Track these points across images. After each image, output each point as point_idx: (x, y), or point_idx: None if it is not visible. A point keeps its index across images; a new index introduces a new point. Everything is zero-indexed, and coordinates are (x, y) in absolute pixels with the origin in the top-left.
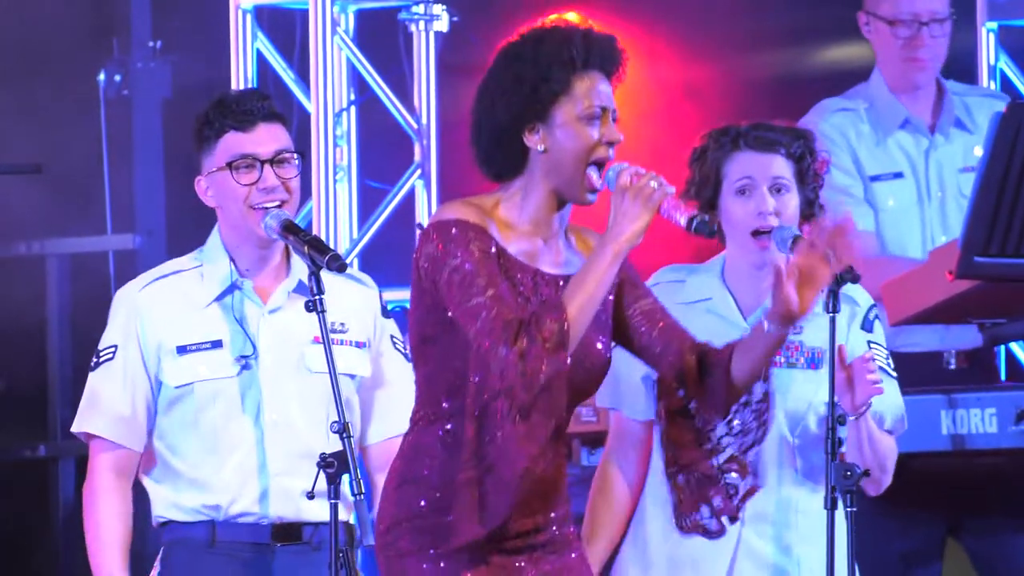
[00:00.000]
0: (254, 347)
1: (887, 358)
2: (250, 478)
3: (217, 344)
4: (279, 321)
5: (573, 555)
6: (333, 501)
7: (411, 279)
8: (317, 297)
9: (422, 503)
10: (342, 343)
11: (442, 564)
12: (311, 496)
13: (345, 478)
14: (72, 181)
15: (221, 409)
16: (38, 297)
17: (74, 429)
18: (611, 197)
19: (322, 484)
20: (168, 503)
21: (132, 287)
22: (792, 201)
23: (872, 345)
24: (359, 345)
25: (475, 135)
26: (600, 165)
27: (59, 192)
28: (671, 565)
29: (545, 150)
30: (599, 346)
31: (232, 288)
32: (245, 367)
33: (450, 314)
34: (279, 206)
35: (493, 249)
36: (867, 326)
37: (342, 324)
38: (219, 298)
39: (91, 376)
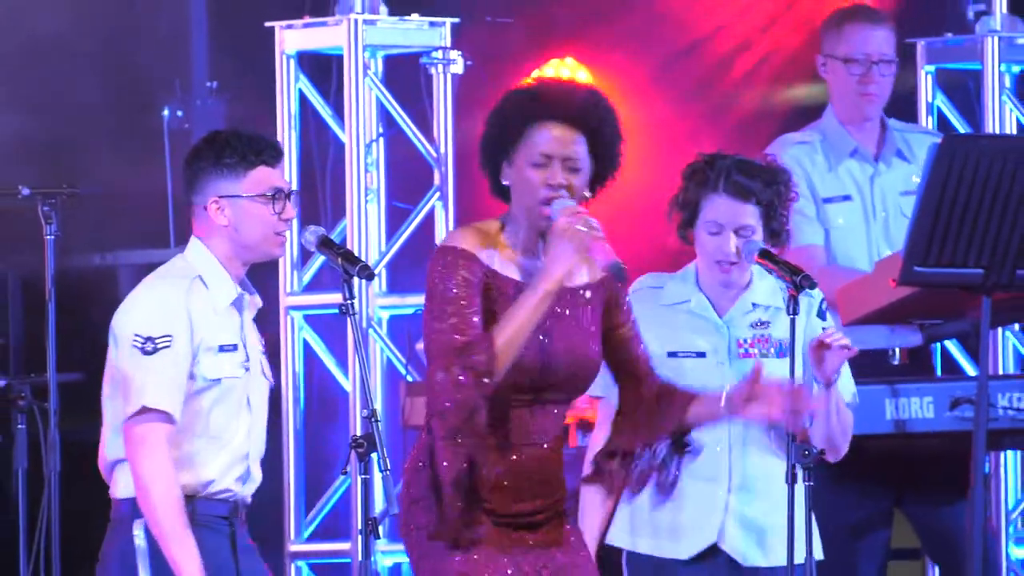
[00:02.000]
0: (247, 352)
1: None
2: (237, 463)
3: (234, 347)
4: (253, 330)
5: (573, 539)
6: (363, 476)
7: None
8: (349, 302)
9: (426, 487)
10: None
11: (451, 540)
12: (344, 473)
13: (374, 456)
14: (140, 202)
15: (230, 403)
16: (111, 301)
17: (149, 404)
18: (549, 235)
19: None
20: None
21: (173, 285)
22: (756, 238)
23: (825, 329)
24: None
25: (483, 170)
26: (545, 202)
27: (129, 211)
28: (665, 531)
29: (511, 185)
30: (591, 352)
31: (238, 299)
32: (246, 370)
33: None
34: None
35: (480, 273)
36: (821, 315)
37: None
38: (229, 309)
39: (148, 360)
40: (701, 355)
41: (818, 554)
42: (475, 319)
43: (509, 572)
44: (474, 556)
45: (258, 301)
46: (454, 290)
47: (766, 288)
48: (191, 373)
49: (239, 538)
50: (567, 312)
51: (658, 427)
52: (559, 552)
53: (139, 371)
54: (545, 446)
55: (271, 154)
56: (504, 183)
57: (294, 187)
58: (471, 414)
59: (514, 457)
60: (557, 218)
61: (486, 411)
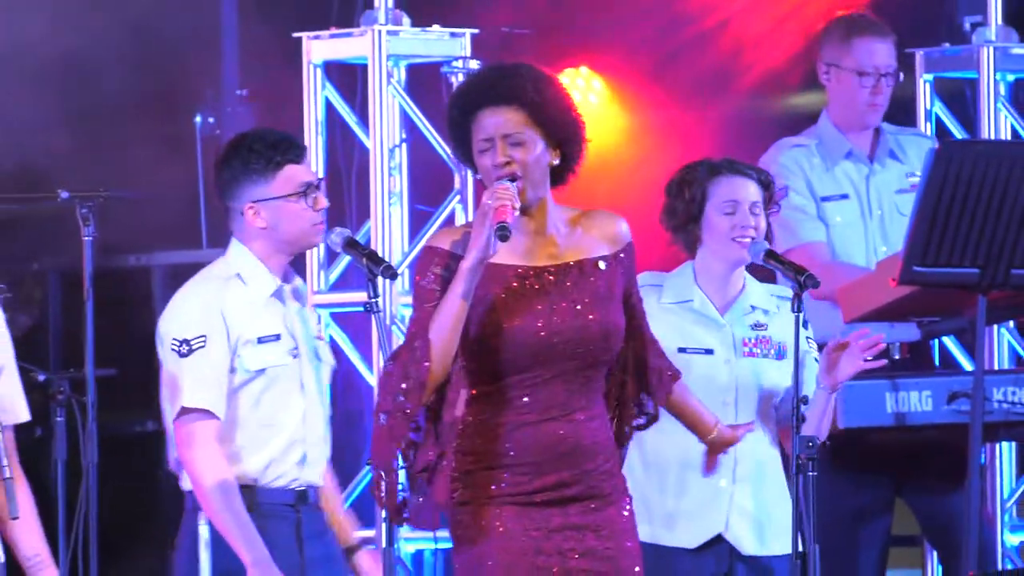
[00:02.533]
0: (294, 339)
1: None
2: (294, 448)
3: (277, 337)
4: (303, 318)
5: (612, 509)
6: None
7: None
8: (374, 300)
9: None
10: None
11: (482, 511)
12: (369, 463)
13: None
14: (173, 204)
15: (279, 390)
16: (145, 300)
17: (187, 404)
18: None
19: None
20: None
21: (207, 286)
22: (763, 222)
23: (808, 339)
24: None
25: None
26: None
27: (162, 213)
28: (668, 520)
29: (478, 176)
30: (602, 317)
31: (278, 291)
32: (294, 356)
33: None
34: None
35: (448, 267)
36: (804, 324)
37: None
38: (270, 300)
39: (185, 361)
40: (709, 352)
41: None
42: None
43: (531, 553)
44: (495, 540)
45: (301, 285)
46: (423, 284)
47: (760, 292)
48: (232, 367)
49: (305, 524)
50: (570, 283)
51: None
52: (593, 536)
53: (179, 373)
54: (575, 419)
55: (295, 152)
56: (477, 176)
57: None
58: (407, 393)
59: (528, 431)
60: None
61: (497, 387)
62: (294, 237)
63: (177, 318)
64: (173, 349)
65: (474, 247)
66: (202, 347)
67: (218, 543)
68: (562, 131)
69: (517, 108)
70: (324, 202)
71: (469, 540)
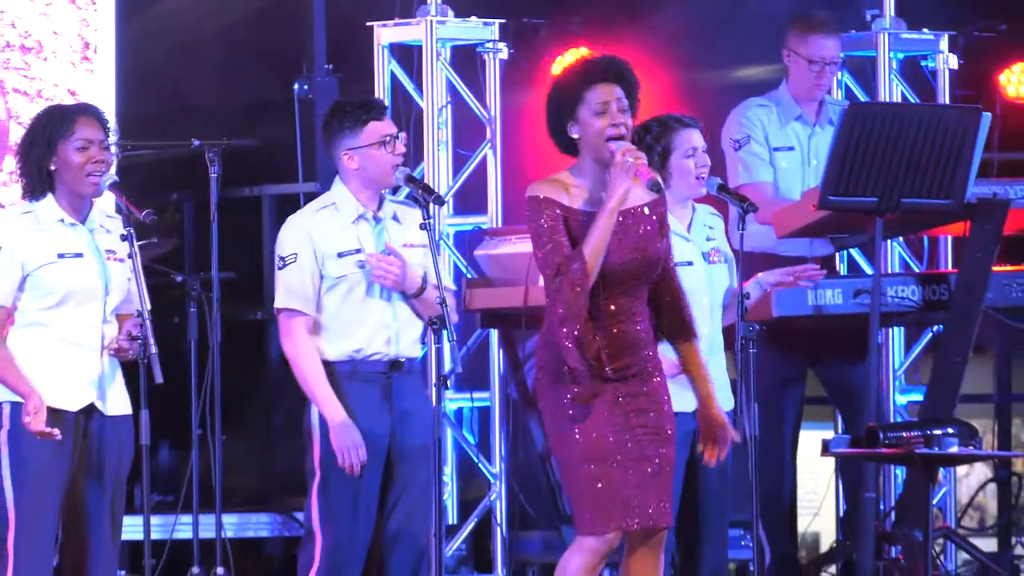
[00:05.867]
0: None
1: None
2: (380, 331)
3: (357, 251)
4: (379, 236)
5: (656, 379)
6: (437, 345)
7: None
8: (428, 220)
9: (551, 359)
10: (414, 246)
11: (563, 388)
12: (423, 341)
13: (444, 332)
14: (278, 149)
15: (360, 291)
16: (256, 221)
17: (277, 305)
18: (611, 168)
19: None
20: (324, 349)
21: (302, 215)
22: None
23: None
24: (424, 245)
25: (549, 132)
26: (611, 139)
27: (268, 156)
28: None
29: (580, 136)
30: (655, 249)
31: (361, 216)
32: (361, 266)
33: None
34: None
35: (558, 211)
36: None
37: (411, 241)
38: (354, 223)
39: (280, 272)
40: (690, 263)
41: (726, 404)
42: (565, 242)
43: (607, 399)
44: (581, 388)
45: (399, 211)
46: (545, 225)
47: (704, 213)
48: (321, 275)
49: (396, 385)
50: (631, 223)
51: (673, 332)
52: (637, 385)
53: (276, 282)
54: (636, 321)
55: (378, 111)
56: (573, 136)
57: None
58: (577, 310)
59: (614, 331)
60: (616, 153)
61: (593, 300)
62: (378, 176)
63: (279, 240)
64: (276, 264)
65: (616, 194)
66: (294, 262)
67: (324, 430)
68: (635, 110)
69: (620, 87)
70: (401, 148)
71: (559, 401)
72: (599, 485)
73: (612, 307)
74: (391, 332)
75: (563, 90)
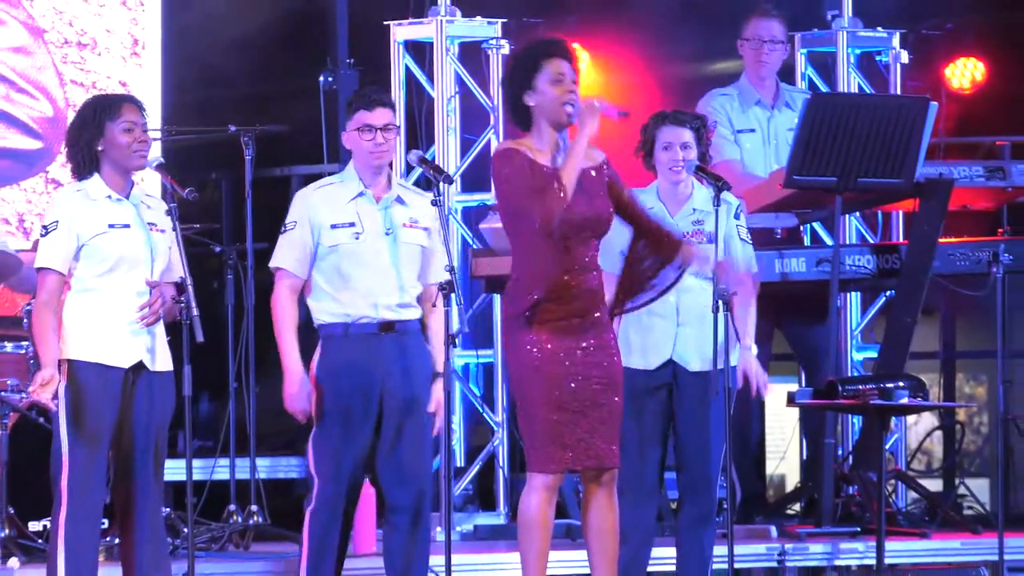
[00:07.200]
0: (362, 226)
1: (748, 232)
2: (367, 297)
3: (350, 224)
4: (383, 210)
5: (608, 333)
6: (446, 308)
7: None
8: (438, 198)
9: (517, 305)
10: (415, 227)
11: (527, 335)
12: (433, 305)
13: (453, 296)
14: (306, 134)
15: (352, 261)
16: (286, 196)
17: (271, 264)
18: (577, 116)
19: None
20: (321, 312)
21: (308, 189)
22: (692, 153)
23: (739, 226)
24: (425, 229)
25: (506, 107)
26: (566, 103)
27: (297, 140)
28: (634, 349)
29: (536, 104)
30: (604, 206)
31: (360, 194)
32: (356, 237)
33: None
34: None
35: (526, 163)
36: (736, 215)
37: (415, 219)
38: (352, 199)
39: (281, 237)
40: None
41: (733, 360)
42: (538, 176)
43: (566, 348)
44: (543, 337)
45: (403, 192)
46: (517, 167)
47: (703, 198)
48: (317, 243)
49: (386, 345)
50: (582, 179)
51: (661, 246)
52: (592, 338)
53: (278, 244)
54: (592, 273)
55: (366, 102)
56: (530, 104)
57: (399, 124)
58: (558, 215)
59: (572, 282)
60: (578, 106)
61: (553, 249)
62: (363, 158)
63: (289, 210)
64: (281, 229)
65: (585, 130)
66: (293, 228)
67: (325, 354)
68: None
69: (572, 63)
70: (379, 139)
71: (524, 348)
72: (553, 430)
73: (568, 256)
74: (377, 298)
75: (521, 62)
